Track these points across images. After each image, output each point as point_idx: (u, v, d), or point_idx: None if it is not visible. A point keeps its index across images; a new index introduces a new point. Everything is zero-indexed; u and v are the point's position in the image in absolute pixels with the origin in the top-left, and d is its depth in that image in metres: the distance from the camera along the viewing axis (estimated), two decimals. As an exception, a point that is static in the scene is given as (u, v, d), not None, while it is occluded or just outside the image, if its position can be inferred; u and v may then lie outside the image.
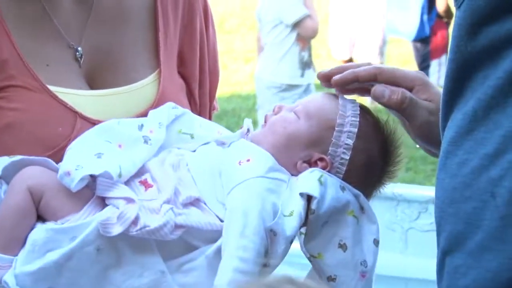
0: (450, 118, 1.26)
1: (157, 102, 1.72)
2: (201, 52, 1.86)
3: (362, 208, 1.61)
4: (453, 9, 1.27)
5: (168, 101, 1.72)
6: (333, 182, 1.59)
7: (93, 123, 1.65)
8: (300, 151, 1.63)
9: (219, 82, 1.95)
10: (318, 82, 1.74)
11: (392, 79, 1.61)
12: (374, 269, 1.61)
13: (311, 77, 6.49)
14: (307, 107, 1.67)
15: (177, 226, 1.51)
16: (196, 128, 1.69)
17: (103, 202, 1.54)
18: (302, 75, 6.45)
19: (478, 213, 1.18)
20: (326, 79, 1.65)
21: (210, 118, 1.93)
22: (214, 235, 1.53)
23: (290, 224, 1.54)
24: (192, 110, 1.80)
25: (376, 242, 1.62)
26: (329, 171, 1.61)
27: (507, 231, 1.15)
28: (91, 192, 1.55)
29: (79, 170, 1.52)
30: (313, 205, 1.55)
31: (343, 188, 1.60)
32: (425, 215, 4.45)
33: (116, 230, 1.48)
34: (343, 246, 1.59)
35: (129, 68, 1.74)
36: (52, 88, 1.64)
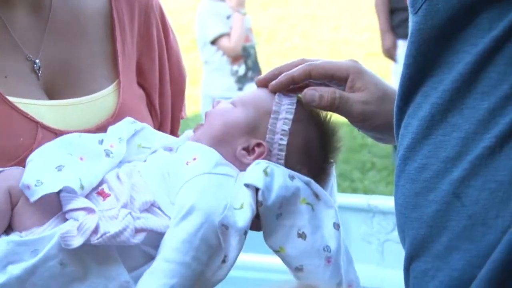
0: (403, 125, 1.28)
1: (118, 112, 1.75)
2: (160, 62, 1.88)
3: (316, 195, 1.62)
4: None
5: (129, 111, 1.74)
6: (281, 172, 1.60)
7: (54, 132, 1.66)
8: (238, 138, 1.65)
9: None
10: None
11: (326, 73, 1.64)
12: (339, 252, 1.60)
13: None
14: (243, 97, 1.71)
15: (137, 230, 1.51)
16: (155, 141, 1.71)
17: None
18: (241, 89, 6.51)
19: (442, 215, 1.19)
20: (263, 84, 1.69)
21: (174, 127, 1.95)
22: None
23: (241, 216, 1.54)
24: (153, 120, 1.83)
25: (336, 226, 1.61)
26: (269, 158, 1.63)
27: (474, 229, 1.16)
28: (60, 206, 1.54)
29: (39, 186, 1.51)
30: (259, 197, 1.56)
31: (292, 177, 1.60)
32: (401, 227, 4.46)
33: (77, 241, 1.47)
34: (302, 235, 1.59)
35: (87, 79, 1.75)
36: (11, 99, 1.65)
